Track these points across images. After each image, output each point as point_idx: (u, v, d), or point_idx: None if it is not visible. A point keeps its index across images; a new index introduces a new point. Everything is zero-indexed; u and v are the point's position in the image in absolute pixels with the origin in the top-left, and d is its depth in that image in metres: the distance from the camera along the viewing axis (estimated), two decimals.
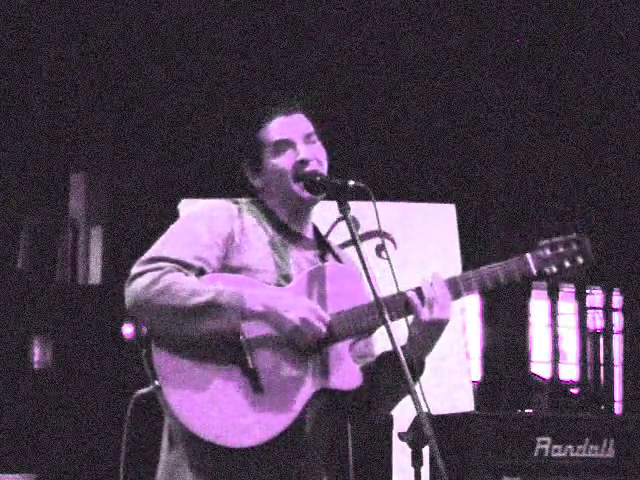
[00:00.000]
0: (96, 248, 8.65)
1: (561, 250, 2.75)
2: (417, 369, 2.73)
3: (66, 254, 8.58)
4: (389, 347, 2.61)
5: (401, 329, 2.72)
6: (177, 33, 7.63)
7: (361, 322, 2.68)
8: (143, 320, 2.70)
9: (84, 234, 8.69)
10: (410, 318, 2.73)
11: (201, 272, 2.71)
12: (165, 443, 2.75)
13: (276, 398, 2.64)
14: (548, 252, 2.74)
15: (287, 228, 2.86)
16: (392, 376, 2.70)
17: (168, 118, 8.12)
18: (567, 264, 2.74)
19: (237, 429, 2.62)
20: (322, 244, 2.93)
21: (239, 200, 2.90)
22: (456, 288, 2.70)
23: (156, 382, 2.66)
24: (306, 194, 2.81)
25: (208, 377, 2.65)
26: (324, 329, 2.64)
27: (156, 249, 2.74)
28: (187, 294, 2.63)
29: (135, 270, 2.69)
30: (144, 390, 2.84)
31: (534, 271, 2.72)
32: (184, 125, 8.16)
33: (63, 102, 7.91)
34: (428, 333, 2.69)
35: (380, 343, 2.81)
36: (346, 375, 2.69)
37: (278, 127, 2.86)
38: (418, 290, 2.69)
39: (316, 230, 2.95)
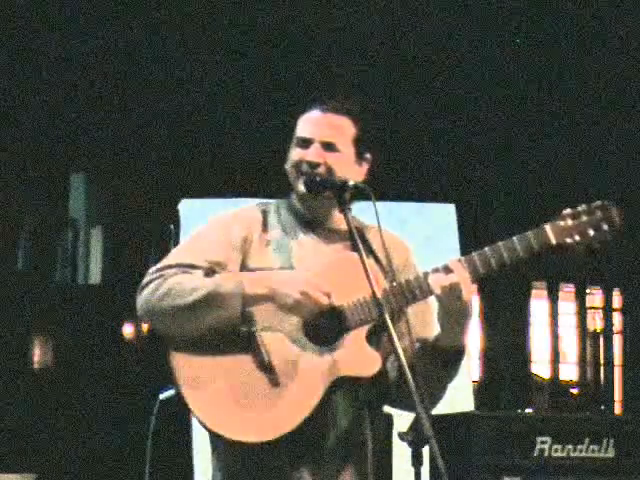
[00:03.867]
0: (96, 248, 8.67)
1: (584, 218, 2.64)
2: (452, 357, 2.67)
3: (66, 254, 8.59)
4: None
5: None
6: (177, 33, 7.63)
7: (372, 310, 2.66)
8: (156, 326, 2.73)
9: (84, 234, 8.70)
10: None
11: (212, 272, 2.72)
12: (210, 445, 2.79)
13: (293, 390, 2.64)
14: (570, 221, 2.63)
15: (313, 224, 2.84)
16: (426, 367, 2.63)
17: (168, 118, 8.13)
18: (591, 232, 2.63)
19: (256, 424, 2.63)
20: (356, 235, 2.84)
21: (270, 202, 2.89)
22: (474, 266, 2.61)
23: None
24: (304, 191, 2.79)
25: (224, 374, 2.66)
26: (325, 299, 2.62)
27: (166, 258, 2.77)
28: (188, 291, 2.65)
29: (143, 281, 2.73)
30: (168, 393, 2.85)
31: (554, 241, 2.60)
32: (184, 125, 8.16)
33: (63, 102, 7.92)
34: (451, 317, 2.60)
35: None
36: (362, 361, 2.67)
37: (303, 123, 2.83)
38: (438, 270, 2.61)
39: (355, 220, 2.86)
